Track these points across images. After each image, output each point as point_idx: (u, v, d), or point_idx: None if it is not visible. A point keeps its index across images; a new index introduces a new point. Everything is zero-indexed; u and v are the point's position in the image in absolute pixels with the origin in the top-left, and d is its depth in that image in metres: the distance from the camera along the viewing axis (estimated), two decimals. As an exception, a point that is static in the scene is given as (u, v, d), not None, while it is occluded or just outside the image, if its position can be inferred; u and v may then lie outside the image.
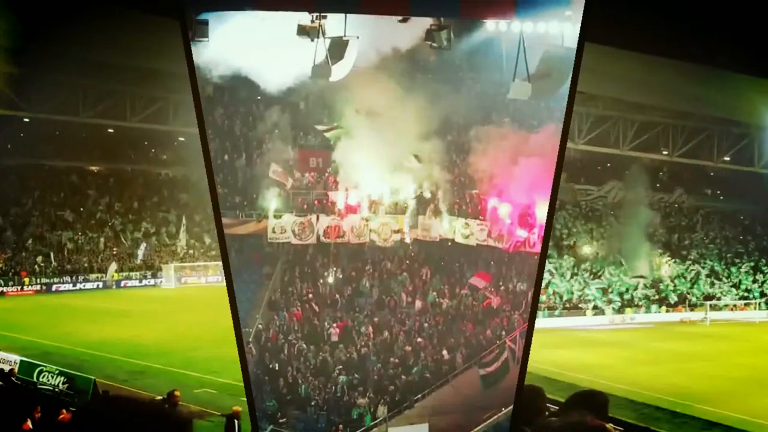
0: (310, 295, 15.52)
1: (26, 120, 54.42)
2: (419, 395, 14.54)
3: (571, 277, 49.33)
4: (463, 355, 14.85)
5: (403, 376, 14.71)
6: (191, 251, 63.00)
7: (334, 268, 16.01)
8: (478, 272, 15.81)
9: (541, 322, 43.00)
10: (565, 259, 51.94)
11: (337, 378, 14.46)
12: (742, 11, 33.08)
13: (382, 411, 14.25)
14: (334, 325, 15.08)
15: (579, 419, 3.30)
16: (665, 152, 59.63)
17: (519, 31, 14.22)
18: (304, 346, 14.77)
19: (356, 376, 14.54)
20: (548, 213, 10.97)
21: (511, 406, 13.06)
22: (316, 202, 16.12)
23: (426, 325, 15.30)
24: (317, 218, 15.71)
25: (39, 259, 55.60)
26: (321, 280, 15.88)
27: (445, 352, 14.88)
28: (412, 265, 16.11)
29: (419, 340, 15.18)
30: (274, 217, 15.57)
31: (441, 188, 16.20)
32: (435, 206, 16.15)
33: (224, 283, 8.77)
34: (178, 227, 63.03)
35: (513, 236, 15.15)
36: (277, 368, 14.46)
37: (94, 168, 68.02)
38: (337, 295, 15.63)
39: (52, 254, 56.37)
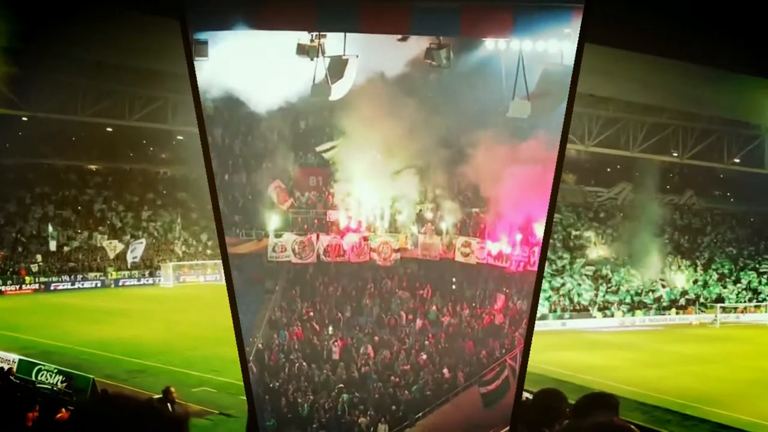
0: (311, 314, 15.53)
1: (25, 119, 54.67)
2: (420, 413, 14.53)
3: (581, 278, 49.16)
4: (464, 374, 14.83)
5: (405, 392, 14.71)
6: (190, 249, 63.19)
7: (335, 287, 16.01)
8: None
9: (551, 324, 43.04)
10: (575, 261, 51.84)
11: (338, 397, 14.47)
12: (750, 13, 32.95)
13: (383, 429, 14.24)
14: (335, 343, 15.08)
15: (606, 420, 3.29)
16: (675, 154, 59.37)
17: (518, 49, 14.20)
18: (305, 365, 14.77)
19: (357, 394, 14.54)
20: (546, 226, 10.94)
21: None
22: (316, 220, 16.12)
23: (426, 343, 15.28)
24: (317, 237, 15.71)
25: (38, 257, 55.83)
26: (321, 299, 15.86)
27: (445, 370, 14.86)
28: (412, 283, 16.09)
29: (422, 357, 15.16)
30: (275, 236, 15.58)
31: (441, 207, 16.16)
32: (435, 225, 16.13)
33: (223, 282, 8.83)
34: (176, 226, 63.26)
35: (513, 255, 15.12)
36: (277, 387, 14.48)
37: (92, 167, 68.33)
38: (339, 314, 15.63)
39: (50, 253, 56.62)
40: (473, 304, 15.70)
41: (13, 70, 44.04)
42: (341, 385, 14.58)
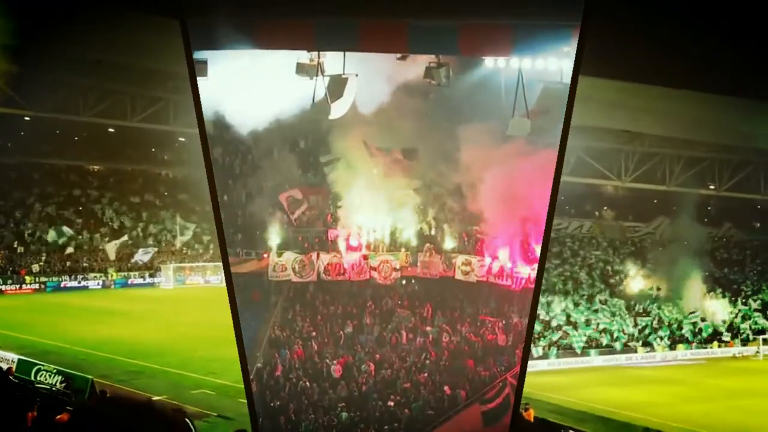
0: (312, 333, 15.51)
1: (27, 118, 54.63)
2: (421, 432, 14.52)
3: (620, 312, 48.89)
4: (466, 392, 14.80)
5: (406, 410, 14.70)
6: (190, 251, 63.29)
7: (335, 306, 15.99)
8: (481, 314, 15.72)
9: (592, 360, 42.66)
10: (614, 296, 51.61)
11: (338, 415, 14.46)
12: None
13: (383, 447, 14.23)
14: (335, 362, 15.07)
15: None
16: (712, 187, 59.18)
17: (518, 67, 14.17)
18: (307, 384, 14.76)
19: (357, 413, 14.53)
20: (543, 242, 10.95)
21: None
22: (316, 239, 16.10)
23: (427, 362, 15.26)
24: (317, 256, 15.68)
25: (38, 257, 55.94)
26: (322, 318, 15.84)
27: (446, 388, 14.84)
28: (412, 302, 16.06)
29: (423, 375, 15.14)
30: (275, 255, 15.56)
31: (441, 225, 16.14)
32: (435, 243, 16.10)
33: (223, 284, 8.83)
34: (177, 227, 63.32)
35: (514, 272, 15.09)
36: (278, 406, 14.47)
37: (94, 167, 68.45)
38: (339, 332, 15.61)
39: (51, 253, 56.75)
40: (474, 323, 15.68)
41: (16, 69, 43.96)
42: (342, 404, 14.56)
